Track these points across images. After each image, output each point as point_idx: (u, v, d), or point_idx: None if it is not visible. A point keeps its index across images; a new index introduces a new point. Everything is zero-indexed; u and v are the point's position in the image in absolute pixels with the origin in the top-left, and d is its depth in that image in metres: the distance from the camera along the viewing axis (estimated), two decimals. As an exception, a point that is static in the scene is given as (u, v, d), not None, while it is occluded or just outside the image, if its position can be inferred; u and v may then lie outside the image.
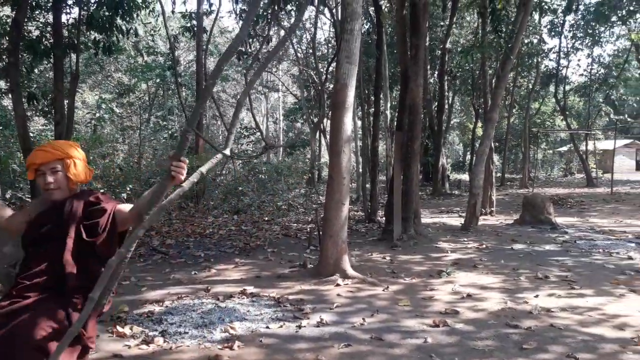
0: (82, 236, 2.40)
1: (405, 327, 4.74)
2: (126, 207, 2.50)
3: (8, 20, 10.48)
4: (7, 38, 9.39)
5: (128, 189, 12.35)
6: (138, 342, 4.28)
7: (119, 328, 4.54)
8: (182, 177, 2.21)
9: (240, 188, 15.23)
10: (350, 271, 6.64)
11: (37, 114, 13.34)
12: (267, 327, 4.68)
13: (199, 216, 12.91)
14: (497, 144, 24.29)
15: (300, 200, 16.68)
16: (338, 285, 6.24)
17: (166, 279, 6.65)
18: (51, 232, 2.41)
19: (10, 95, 9.95)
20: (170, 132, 17.77)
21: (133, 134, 16.96)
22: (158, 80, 18.74)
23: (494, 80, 14.57)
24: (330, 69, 13.86)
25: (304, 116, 24.45)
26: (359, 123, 17.26)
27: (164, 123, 18.98)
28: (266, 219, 12.85)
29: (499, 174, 24.98)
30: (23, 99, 8.72)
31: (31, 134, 13.35)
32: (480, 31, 16.25)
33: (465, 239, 9.94)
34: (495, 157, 18.51)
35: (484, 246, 9.12)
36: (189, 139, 2.29)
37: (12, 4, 9.27)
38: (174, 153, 2.25)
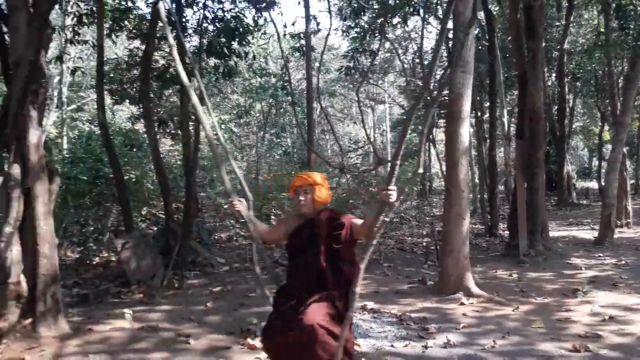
0: (331, 245, 3.21)
1: (542, 351, 4.38)
2: (358, 221, 3.26)
3: (139, 52, 11.55)
4: (139, 69, 10.34)
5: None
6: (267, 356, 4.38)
7: (249, 340, 4.70)
8: (393, 199, 2.87)
9: (350, 201, 15.29)
10: (474, 289, 6.32)
11: (165, 136, 14.50)
12: (392, 346, 4.58)
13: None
14: (627, 148, 21.99)
15: (412, 213, 16.35)
16: (462, 304, 5.96)
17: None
18: (308, 241, 3.25)
19: (142, 121, 10.93)
20: (284, 149, 18.46)
21: (250, 152, 17.85)
22: (271, 100, 19.58)
23: (621, 81, 13.21)
24: (437, 76, 13.49)
25: (412, 127, 24.07)
26: (471, 130, 16.58)
27: (278, 140, 19.74)
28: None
29: (632, 181, 22.54)
30: (154, 124, 9.52)
31: (162, 156, 14.65)
32: (602, 29, 14.88)
33: (601, 254, 9.06)
34: (627, 163, 16.74)
35: (623, 262, 8.24)
36: (395, 169, 2.96)
37: (142, 38, 10.21)
38: (385, 183, 2.93)
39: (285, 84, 13.41)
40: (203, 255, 9.06)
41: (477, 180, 15.81)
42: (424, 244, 9.99)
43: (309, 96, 14.33)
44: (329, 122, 13.41)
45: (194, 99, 3.86)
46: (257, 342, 4.65)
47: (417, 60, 18.15)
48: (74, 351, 4.62)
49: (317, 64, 19.11)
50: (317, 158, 14.79)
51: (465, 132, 6.66)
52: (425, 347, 4.54)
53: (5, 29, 5.49)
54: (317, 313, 2.97)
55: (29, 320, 4.98)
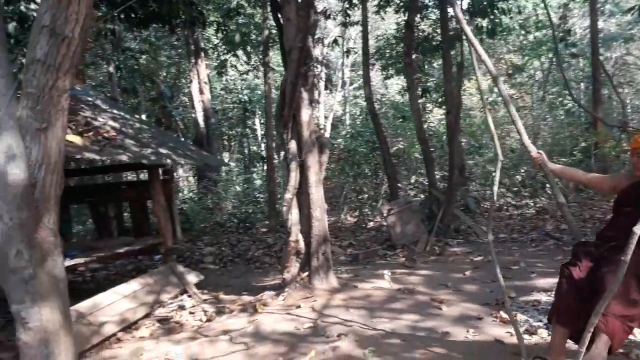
0: None
1: None
2: None
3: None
4: (403, 41, 10.58)
5: (522, 170, 12.11)
6: (521, 331, 4.08)
7: (502, 314, 4.46)
8: None
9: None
10: None
11: (433, 105, 14.61)
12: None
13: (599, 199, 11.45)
14: None
15: None
16: None
17: (557, 267, 6.16)
18: (636, 202, 3.16)
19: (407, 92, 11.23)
20: (566, 109, 16.44)
21: (527, 114, 16.52)
22: (550, 55, 17.61)
23: None
24: None
25: None
26: None
27: (560, 99, 17.71)
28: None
29: None
30: (418, 94, 9.67)
31: (432, 125, 14.86)
32: None
33: None
34: None
35: None
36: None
37: (404, 9, 10.39)
38: None
39: (564, 34, 11.82)
40: (466, 224, 8.91)
41: None
42: None
43: (594, 45, 12.32)
44: (607, 75, 11.34)
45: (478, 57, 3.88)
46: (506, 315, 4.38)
47: None
48: (339, 304, 5.18)
49: (606, 6, 16.26)
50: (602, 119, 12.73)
51: None
52: None
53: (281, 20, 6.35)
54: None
55: (306, 273, 5.80)
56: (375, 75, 20.18)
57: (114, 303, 5.08)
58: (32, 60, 2.45)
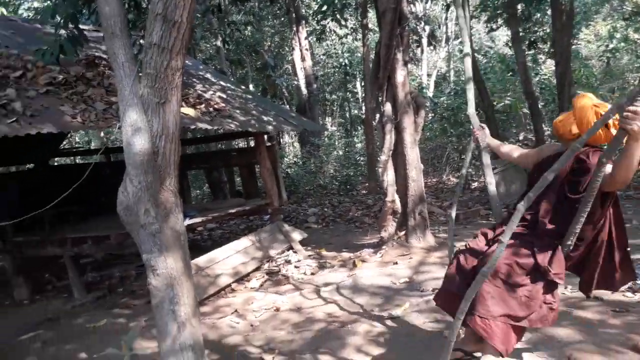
0: (565, 191, 2.57)
1: None
2: (609, 168, 2.31)
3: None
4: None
5: None
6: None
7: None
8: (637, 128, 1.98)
9: None
10: None
11: (546, 57, 13.63)
12: None
13: None
14: None
15: None
16: None
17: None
18: (541, 173, 2.48)
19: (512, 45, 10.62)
20: None
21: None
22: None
23: None
24: None
25: None
26: None
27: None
28: None
29: None
30: (524, 46, 9.15)
31: (544, 77, 13.90)
32: None
33: None
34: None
35: None
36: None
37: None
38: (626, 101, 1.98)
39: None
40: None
41: None
42: None
43: None
44: None
45: None
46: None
47: None
48: (435, 262, 5.30)
49: None
50: None
51: None
52: None
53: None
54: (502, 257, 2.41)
55: (403, 232, 5.96)
56: (481, 28, 19.16)
57: (228, 258, 5.66)
58: (150, 45, 2.82)
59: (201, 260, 5.34)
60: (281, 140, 18.84)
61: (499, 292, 2.46)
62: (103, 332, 4.44)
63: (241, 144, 17.02)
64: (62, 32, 5.11)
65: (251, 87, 16.32)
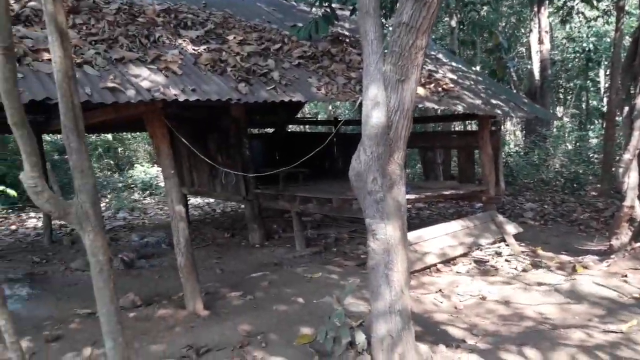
0: None
1: None
2: None
3: None
4: None
5: None
6: None
7: None
8: None
9: None
10: None
11: None
12: None
13: None
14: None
15: None
16: None
17: None
18: None
19: None
20: None
21: None
22: None
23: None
24: None
25: None
26: None
27: None
28: None
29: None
30: None
31: None
32: None
33: None
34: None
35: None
36: None
37: None
38: None
39: None
40: None
41: None
42: None
43: None
44: None
45: None
46: None
47: None
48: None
49: None
50: None
51: None
52: None
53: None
54: None
55: (639, 244, 5.20)
56: None
57: (436, 238, 5.71)
58: (399, 23, 2.97)
59: (411, 235, 5.49)
60: (502, 126, 17.83)
61: None
62: (317, 283, 4.95)
63: (458, 126, 16.65)
64: (317, 10, 5.66)
65: (477, 68, 15.73)
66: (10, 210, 10.76)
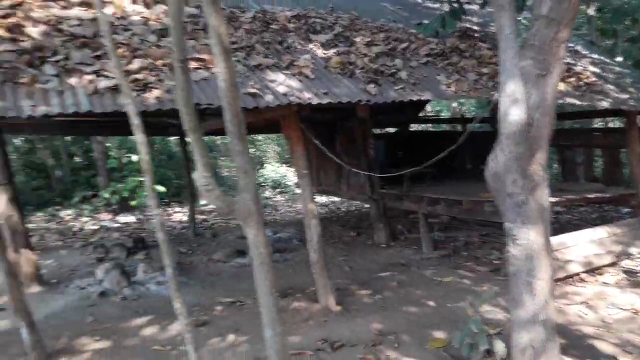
0: None
1: None
2: None
3: None
4: None
5: None
6: None
7: None
8: None
9: None
10: None
11: None
12: None
13: None
14: None
15: None
16: None
17: None
18: None
19: None
20: None
21: None
22: None
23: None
24: None
25: None
26: None
27: None
28: None
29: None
30: None
31: None
32: None
33: None
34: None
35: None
36: None
37: None
38: None
39: None
40: None
41: None
42: None
43: None
44: None
45: None
46: None
47: None
48: None
49: None
50: None
51: None
52: None
53: None
54: None
55: None
56: None
57: (580, 245, 5.25)
58: (538, 16, 2.80)
59: (552, 241, 5.11)
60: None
61: None
62: (448, 287, 4.83)
63: (597, 123, 15.15)
64: (443, 6, 5.52)
65: (619, 59, 14.19)
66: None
